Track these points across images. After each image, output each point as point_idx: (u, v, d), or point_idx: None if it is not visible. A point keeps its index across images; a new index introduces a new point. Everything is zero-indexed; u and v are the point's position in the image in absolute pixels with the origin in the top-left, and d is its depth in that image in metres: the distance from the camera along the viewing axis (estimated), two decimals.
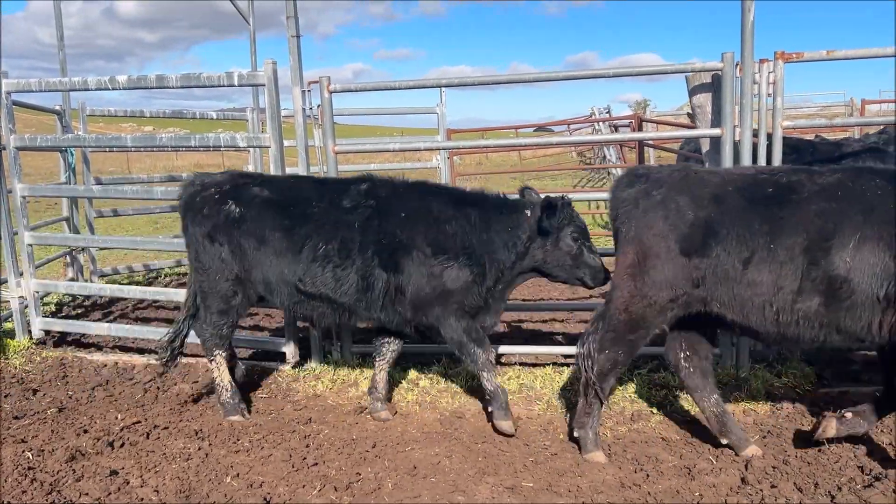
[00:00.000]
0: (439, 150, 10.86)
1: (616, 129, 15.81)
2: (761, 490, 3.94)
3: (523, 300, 8.39)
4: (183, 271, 10.29)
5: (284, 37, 5.54)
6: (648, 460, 4.36)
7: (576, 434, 4.50)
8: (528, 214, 4.74)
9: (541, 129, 37.71)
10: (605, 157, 20.96)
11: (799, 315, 3.88)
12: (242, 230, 4.78)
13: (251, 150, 9.97)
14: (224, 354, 5.07)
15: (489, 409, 4.81)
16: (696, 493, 3.94)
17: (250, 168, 10.54)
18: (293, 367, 5.98)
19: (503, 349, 6.10)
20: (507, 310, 5.43)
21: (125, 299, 8.78)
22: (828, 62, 5.22)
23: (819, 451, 4.34)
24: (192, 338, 5.22)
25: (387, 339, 5.12)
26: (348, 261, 4.64)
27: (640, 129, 11.85)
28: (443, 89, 10.47)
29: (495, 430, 4.78)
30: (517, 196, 4.92)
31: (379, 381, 5.12)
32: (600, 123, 18.92)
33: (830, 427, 4.30)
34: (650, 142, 10.58)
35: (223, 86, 5.57)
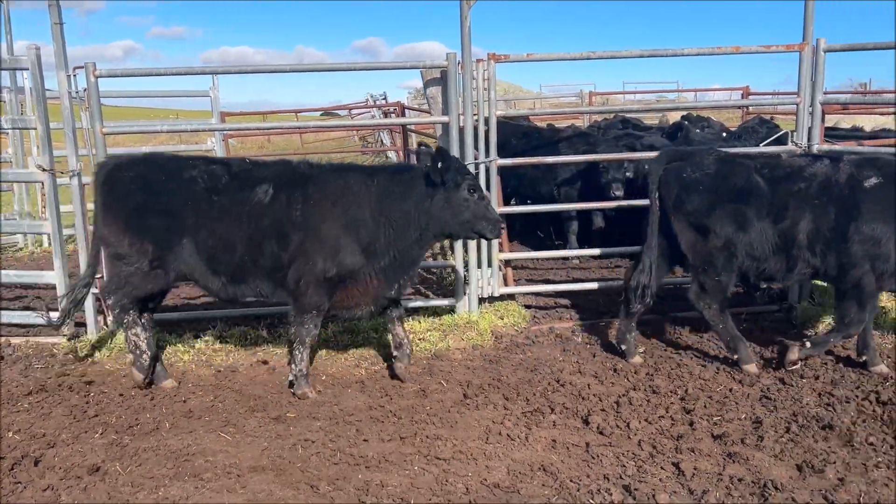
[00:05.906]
0: (213, 132, 11.16)
1: (386, 114, 16.88)
2: (477, 400, 5.05)
3: None
4: None
5: (39, 9, 5.73)
6: (393, 388, 5.32)
7: None
8: None
9: (326, 113, 38.18)
10: (382, 141, 22.09)
11: None
12: None
13: (10, 132, 9.73)
14: None
15: None
16: (428, 408, 4.96)
17: (10, 151, 10.21)
18: (69, 340, 6.20)
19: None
20: None
21: None
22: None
23: (529, 371, 5.56)
24: None
25: None
26: None
27: (403, 115, 12.97)
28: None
29: None
30: None
31: None
32: (376, 109, 19.95)
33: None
34: (412, 127, 11.69)
35: None
